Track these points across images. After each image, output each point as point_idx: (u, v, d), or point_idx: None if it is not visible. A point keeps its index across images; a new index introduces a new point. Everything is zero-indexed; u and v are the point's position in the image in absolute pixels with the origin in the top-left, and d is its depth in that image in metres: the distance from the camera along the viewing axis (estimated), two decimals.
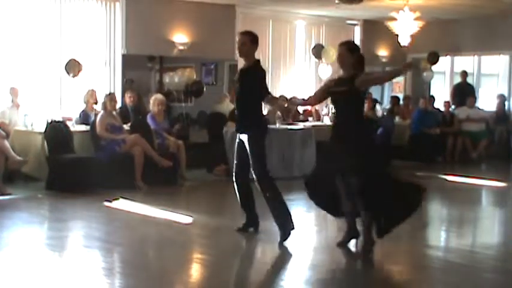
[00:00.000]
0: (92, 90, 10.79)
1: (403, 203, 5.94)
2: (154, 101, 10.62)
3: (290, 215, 6.55)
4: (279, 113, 11.78)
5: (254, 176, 6.71)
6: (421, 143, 13.37)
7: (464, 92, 14.75)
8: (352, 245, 6.27)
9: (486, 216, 8.87)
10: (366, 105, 12.02)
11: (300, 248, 6.46)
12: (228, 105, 12.31)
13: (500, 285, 5.47)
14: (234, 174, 6.90)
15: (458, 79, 15.47)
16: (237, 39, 6.98)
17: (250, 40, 6.62)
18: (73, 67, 10.75)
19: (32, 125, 9.89)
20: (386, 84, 15.35)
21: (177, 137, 10.65)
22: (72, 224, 7.64)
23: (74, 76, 10.78)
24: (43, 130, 9.61)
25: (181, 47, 12.55)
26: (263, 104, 6.91)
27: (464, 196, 9.91)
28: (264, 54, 14.02)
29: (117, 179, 9.28)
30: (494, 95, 14.92)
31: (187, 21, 12.65)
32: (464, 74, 15.09)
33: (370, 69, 15.58)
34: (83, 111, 10.70)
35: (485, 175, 11.90)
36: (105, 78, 11.77)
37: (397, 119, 14.11)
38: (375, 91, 14.24)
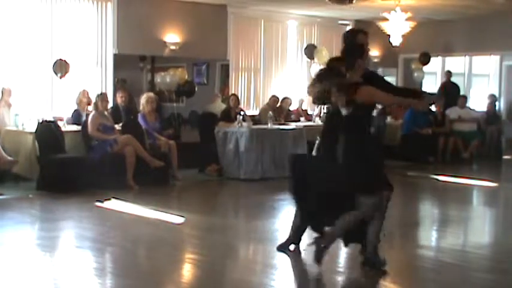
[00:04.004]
0: (84, 90, 10.77)
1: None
2: (145, 99, 10.59)
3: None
4: (270, 112, 11.79)
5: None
6: (412, 143, 13.40)
7: (449, 91, 14.78)
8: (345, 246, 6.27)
9: (477, 216, 8.89)
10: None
11: (291, 248, 6.46)
12: (219, 105, 12.31)
13: (491, 285, 5.49)
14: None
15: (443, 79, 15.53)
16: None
17: None
18: (60, 67, 10.72)
19: (23, 125, 9.85)
20: None
21: (168, 137, 10.64)
22: (63, 224, 7.61)
23: (61, 77, 10.75)
24: (34, 130, 9.57)
25: (172, 47, 12.53)
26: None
27: (455, 196, 9.94)
28: (256, 54, 14.05)
29: (108, 179, 9.26)
30: (485, 95, 14.97)
31: (179, 21, 12.64)
32: (449, 73, 15.15)
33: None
34: (75, 111, 10.66)
35: (476, 175, 11.94)
36: (96, 78, 11.74)
37: (388, 119, 14.13)
38: None
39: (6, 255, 6.04)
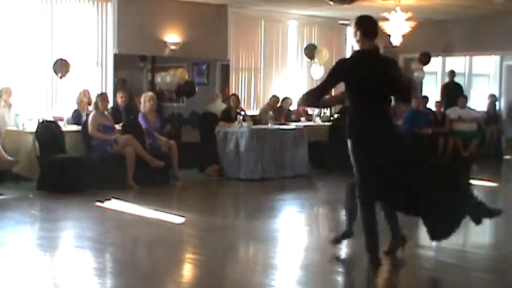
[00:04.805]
0: (85, 90, 10.78)
1: None
2: (145, 97, 10.61)
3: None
4: (271, 112, 11.79)
5: None
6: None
7: (452, 91, 14.78)
8: (344, 246, 6.28)
9: None
10: None
11: (291, 248, 6.47)
12: (220, 105, 12.31)
13: (491, 285, 5.49)
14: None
15: (446, 79, 15.52)
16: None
17: None
18: (61, 67, 10.72)
19: (23, 125, 9.85)
20: None
21: (168, 137, 10.64)
22: (63, 224, 7.61)
23: (61, 77, 10.76)
24: (34, 130, 9.57)
25: (173, 47, 12.54)
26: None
27: None
28: (256, 54, 14.06)
29: (109, 179, 9.26)
30: (486, 95, 14.97)
31: (179, 21, 12.64)
32: (452, 73, 15.14)
33: None
34: (75, 110, 10.67)
35: (476, 175, 11.91)
36: (96, 78, 11.75)
37: None
38: None
39: (6, 255, 6.04)
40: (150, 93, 10.88)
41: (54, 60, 10.86)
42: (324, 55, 14.17)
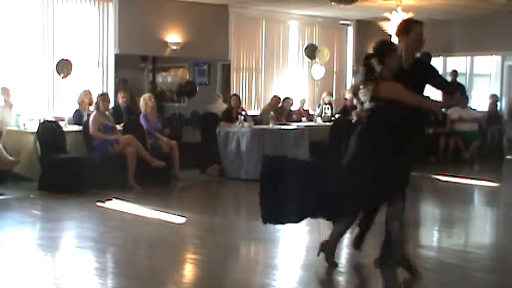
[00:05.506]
0: (86, 90, 10.79)
1: None
2: (144, 99, 10.59)
3: None
4: (272, 112, 11.80)
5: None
6: None
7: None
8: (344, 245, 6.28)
9: (478, 216, 8.89)
10: (359, 107, 12.09)
11: (292, 248, 6.48)
12: (221, 105, 12.33)
13: (492, 285, 5.49)
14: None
15: (449, 79, 15.52)
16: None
17: None
18: (63, 67, 10.74)
19: (24, 125, 9.87)
20: None
21: (169, 137, 10.64)
22: (64, 224, 7.62)
23: (64, 77, 10.77)
24: (35, 130, 9.59)
25: (174, 47, 12.55)
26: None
27: (456, 196, 9.94)
28: (257, 54, 14.06)
29: (110, 180, 9.27)
30: (487, 95, 14.96)
31: (180, 21, 12.65)
32: (455, 73, 15.13)
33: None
34: (76, 111, 10.68)
35: (477, 175, 11.93)
36: (97, 78, 11.76)
37: None
38: None
39: (7, 255, 6.05)
40: (148, 94, 10.91)
41: (56, 61, 10.88)
42: (325, 55, 14.18)
